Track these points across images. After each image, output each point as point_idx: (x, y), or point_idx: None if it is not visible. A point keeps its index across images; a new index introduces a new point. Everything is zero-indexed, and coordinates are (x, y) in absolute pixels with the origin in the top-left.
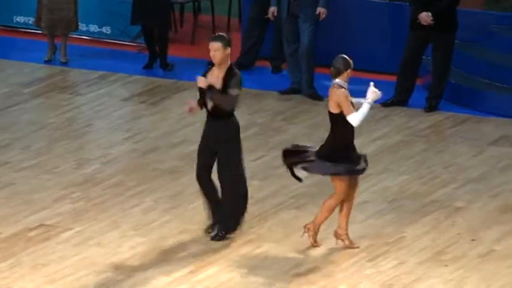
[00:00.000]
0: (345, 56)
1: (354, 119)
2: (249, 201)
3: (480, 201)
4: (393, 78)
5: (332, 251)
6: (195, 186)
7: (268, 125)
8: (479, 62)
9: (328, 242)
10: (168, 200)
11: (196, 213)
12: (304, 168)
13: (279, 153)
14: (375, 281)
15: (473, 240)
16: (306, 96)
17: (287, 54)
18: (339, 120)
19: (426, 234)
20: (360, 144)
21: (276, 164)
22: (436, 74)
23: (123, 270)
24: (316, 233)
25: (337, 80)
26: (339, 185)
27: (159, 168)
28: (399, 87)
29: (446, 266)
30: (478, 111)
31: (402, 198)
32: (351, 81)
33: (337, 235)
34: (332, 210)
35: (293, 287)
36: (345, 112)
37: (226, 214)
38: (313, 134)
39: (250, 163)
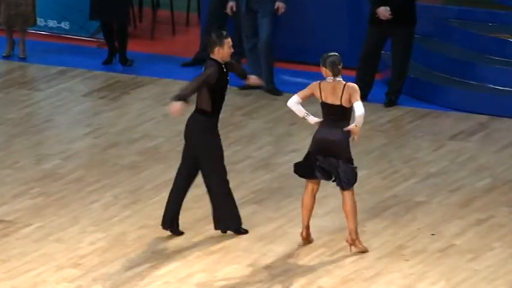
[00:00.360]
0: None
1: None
2: (208, 196)
3: (440, 195)
4: (352, 73)
5: (293, 245)
6: (155, 182)
7: (227, 120)
8: (438, 56)
9: (288, 237)
10: (128, 195)
11: (156, 208)
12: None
13: (239, 148)
14: (335, 276)
15: (433, 234)
16: (266, 91)
17: (246, 49)
18: (348, 114)
19: (386, 228)
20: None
21: (235, 159)
22: (395, 68)
23: (83, 266)
24: (357, 239)
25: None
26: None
27: (119, 163)
28: (359, 82)
29: (406, 260)
30: (438, 105)
31: (362, 193)
32: (310, 75)
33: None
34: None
35: (253, 281)
36: (356, 100)
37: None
38: (272, 129)
39: None
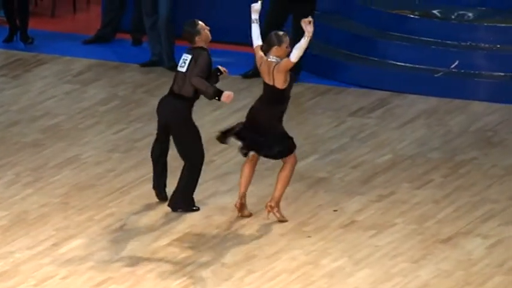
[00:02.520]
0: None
1: (296, 55)
2: (110, 174)
3: (341, 172)
4: (253, 50)
5: (194, 222)
6: (57, 160)
7: (129, 98)
8: (338, 32)
9: (193, 214)
10: (30, 173)
11: (58, 186)
12: (257, 150)
13: (141, 125)
14: (238, 252)
15: (335, 210)
16: (167, 68)
17: (147, 26)
18: (284, 95)
19: (288, 205)
20: (222, 116)
21: (137, 137)
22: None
23: None
24: (277, 208)
25: (271, 57)
26: (293, 156)
27: (21, 141)
28: None
29: (308, 237)
30: (338, 82)
31: (264, 170)
32: (215, 54)
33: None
34: (289, 181)
35: (156, 258)
36: (289, 64)
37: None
38: None
39: (111, 136)
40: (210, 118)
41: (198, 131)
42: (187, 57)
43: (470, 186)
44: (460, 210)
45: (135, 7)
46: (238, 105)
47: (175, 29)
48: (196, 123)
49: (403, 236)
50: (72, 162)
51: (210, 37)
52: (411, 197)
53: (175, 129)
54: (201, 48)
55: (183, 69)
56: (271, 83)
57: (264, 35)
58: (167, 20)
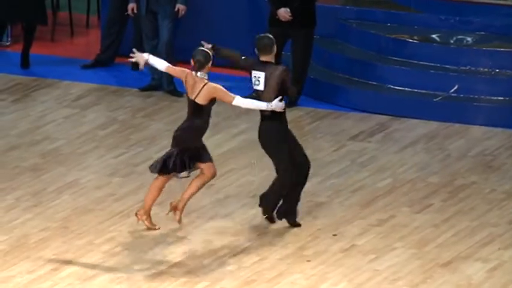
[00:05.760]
0: (205, 49)
1: (241, 102)
2: (110, 198)
3: (341, 196)
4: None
5: (193, 246)
6: (57, 184)
7: (128, 122)
8: (338, 57)
9: (190, 238)
10: (30, 198)
11: (58, 210)
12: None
13: (140, 150)
14: (237, 277)
15: (334, 235)
16: (166, 92)
17: (147, 50)
18: (204, 110)
19: (288, 229)
20: (222, 140)
21: (137, 161)
22: (295, 69)
23: None
24: (181, 211)
25: (199, 73)
26: (210, 166)
27: (20, 165)
28: None
29: (308, 261)
30: (338, 106)
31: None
32: (210, 77)
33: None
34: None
35: (155, 283)
36: (227, 100)
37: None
38: (173, 131)
39: (111, 160)
40: (210, 142)
41: None
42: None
43: (470, 210)
44: (459, 235)
45: (135, 31)
46: (238, 129)
47: (175, 53)
48: None
49: (403, 260)
50: (71, 186)
51: None
52: (411, 221)
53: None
54: None
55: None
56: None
57: None
58: (168, 44)
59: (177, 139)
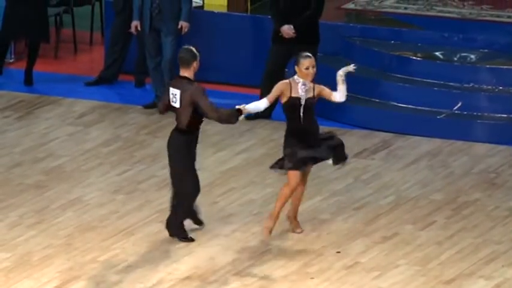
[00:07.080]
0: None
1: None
2: (114, 215)
3: (345, 213)
4: (256, 92)
5: (197, 264)
6: (60, 201)
7: (132, 139)
8: None
9: (193, 256)
10: (33, 215)
11: (62, 227)
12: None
13: (144, 167)
14: None
15: (338, 252)
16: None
17: (150, 68)
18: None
19: (292, 246)
20: (224, 158)
21: (140, 178)
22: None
23: None
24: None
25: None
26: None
27: (23, 183)
28: None
29: (312, 278)
30: (341, 123)
31: (267, 211)
32: (214, 94)
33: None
34: (287, 198)
35: None
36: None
37: None
38: None
39: (114, 177)
40: (214, 159)
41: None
42: None
43: (474, 227)
44: (463, 252)
45: (138, 49)
46: (242, 146)
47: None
48: (200, 165)
49: (407, 277)
50: (75, 203)
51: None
52: (414, 238)
53: None
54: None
55: None
56: None
57: (266, 75)
58: (171, 62)
59: None
